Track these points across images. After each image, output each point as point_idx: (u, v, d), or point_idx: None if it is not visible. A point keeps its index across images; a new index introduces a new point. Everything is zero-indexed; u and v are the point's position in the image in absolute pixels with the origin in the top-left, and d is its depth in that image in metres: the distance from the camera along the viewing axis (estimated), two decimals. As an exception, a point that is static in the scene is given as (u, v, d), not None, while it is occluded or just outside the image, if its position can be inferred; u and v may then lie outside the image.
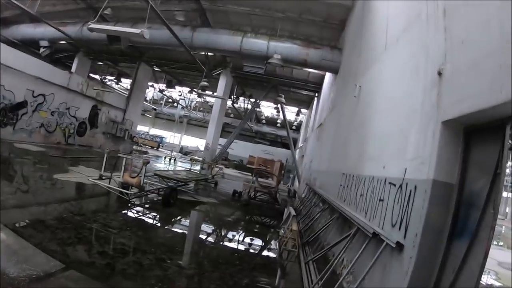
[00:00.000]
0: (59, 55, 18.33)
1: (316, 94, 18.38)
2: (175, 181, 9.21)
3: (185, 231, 6.56)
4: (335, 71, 10.72)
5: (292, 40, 10.99)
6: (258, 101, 18.81)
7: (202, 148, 41.48)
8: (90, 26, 7.96)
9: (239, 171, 26.92)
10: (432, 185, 2.53)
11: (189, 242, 5.89)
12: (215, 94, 17.01)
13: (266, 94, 18.22)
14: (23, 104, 13.92)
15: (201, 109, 35.71)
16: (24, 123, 14.19)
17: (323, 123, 11.23)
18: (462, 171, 2.51)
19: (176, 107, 36.04)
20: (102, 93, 18.71)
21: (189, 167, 16.21)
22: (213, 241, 6.30)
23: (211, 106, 34.49)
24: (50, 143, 15.60)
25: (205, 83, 14.40)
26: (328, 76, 13.91)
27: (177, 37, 10.24)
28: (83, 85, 17.22)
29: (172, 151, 29.46)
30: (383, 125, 4.12)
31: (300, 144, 26.54)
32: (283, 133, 37.41)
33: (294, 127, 36.51)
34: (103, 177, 7.53)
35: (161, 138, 40.95)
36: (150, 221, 6.64)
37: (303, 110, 26.76)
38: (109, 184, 7.30)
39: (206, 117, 35.56)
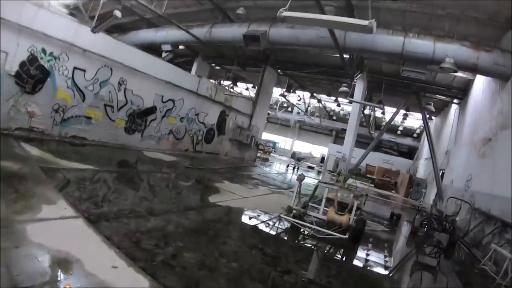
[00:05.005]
0: (178, 60, 17.85)
1: (456, 101, 16.39)
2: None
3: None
4: (505, 77, 9.21)
5: (461, 41, 9.45)
6: (398, 109, 16.83)
7: (315, 154, 40.54)
8: (283, 14, 5.87)
9: (360, 181, 24.87)
10: None
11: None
12: (343, 99, 15.80)
13: (406, 102, 16.40)
14: (152, 110, 13.19)
15: (317, 114, 34.58)
16: (153, 129, 13.49)
17: (492, 139, 9.69)
18: None
19: (291, 111, 35.81)
20: (230, 98, 18.05)
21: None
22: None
23: (328, 112, 33.44)
24: (178, 151, 14.99)
25: (346, 88, 13.38)
26: (483, 82, 12.29)
27: (334, 37, 9.54)
28: (212, 90, 16.45)
29: (298, 160, 29.08)
30: None
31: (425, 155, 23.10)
32: (402, 141, 35.12)
33: (415, 135, 33.29)
34: (294, 211, 6.55)
35: (274, 143, 41.49)
36: (356, 266, 5.47)
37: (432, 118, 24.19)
38: (301, 221, 6.21)
39: (322, 122, 34.52)
